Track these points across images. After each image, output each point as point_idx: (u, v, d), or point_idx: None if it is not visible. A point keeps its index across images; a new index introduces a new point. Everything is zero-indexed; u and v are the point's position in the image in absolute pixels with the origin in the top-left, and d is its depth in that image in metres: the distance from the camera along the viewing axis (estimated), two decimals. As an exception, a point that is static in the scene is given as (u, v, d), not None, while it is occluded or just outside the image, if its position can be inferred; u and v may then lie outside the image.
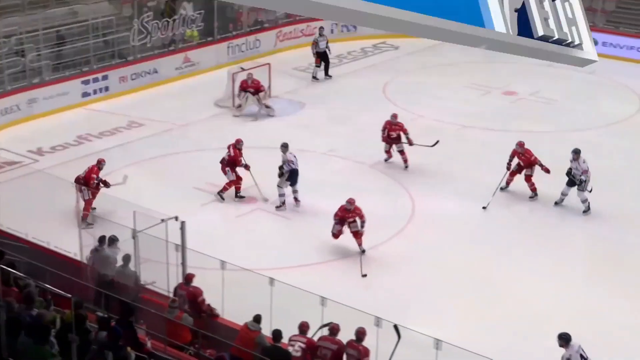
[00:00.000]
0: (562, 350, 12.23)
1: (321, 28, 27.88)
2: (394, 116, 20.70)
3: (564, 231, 18.25)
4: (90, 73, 25.34)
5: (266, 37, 29.80)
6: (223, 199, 18.88)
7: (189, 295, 13.57)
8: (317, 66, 27.39)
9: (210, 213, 18.54)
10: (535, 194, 19.31)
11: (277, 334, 12.26)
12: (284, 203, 18.70)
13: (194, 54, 27.73)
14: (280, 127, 22.83)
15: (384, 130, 20.65)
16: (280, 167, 18.61)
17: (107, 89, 25.55)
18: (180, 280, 13.98)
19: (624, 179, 20.42)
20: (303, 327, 12.54)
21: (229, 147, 19.04)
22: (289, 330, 12.49)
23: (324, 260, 16.73)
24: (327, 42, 27.33)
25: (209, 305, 13.68)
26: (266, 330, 12.52)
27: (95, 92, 25.30)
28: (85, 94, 25.05)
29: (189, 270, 14.08)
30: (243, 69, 25.03)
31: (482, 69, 28.16)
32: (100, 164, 18.24)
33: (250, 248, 17.07)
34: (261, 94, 23.85)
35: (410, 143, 20.51)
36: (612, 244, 17.54)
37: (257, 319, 12.69)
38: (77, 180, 17.82)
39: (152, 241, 13.86)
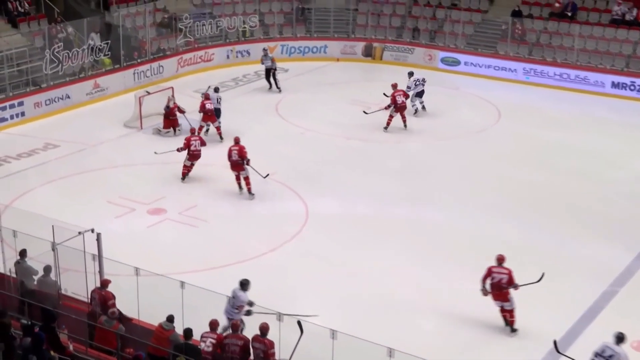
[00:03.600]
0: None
1: (264, 49, 28.67)
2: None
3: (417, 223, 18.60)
4: (6, 100, 24.63)
5: (168, 63, 29.47)
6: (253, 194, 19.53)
7: (100, 298, 13.25)
8: (267, 80, 28.20)
9: (123, 225, 18.16)
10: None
11: (188, 332, 12.12)
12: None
13: (102, 80, 27.20)
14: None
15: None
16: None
17: (23, 114, 24.84)
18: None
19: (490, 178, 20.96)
20: (213, 325, 12.42)
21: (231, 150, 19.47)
22: (200, 328, 12.33)
23: (228, 263, 16.54)
24: (271, 60, 27.93)
25: (116, 310, 13.15)
26: (179, 329, 12.33)
27: (12, 117, 24.59)
28: (2, 120, 24.31)
29: (105, 278, 13.75)
30: (149, 93, 24.79)
31: (360, 87, 28.50)
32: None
33: (161, 255, 16.77)
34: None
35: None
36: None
37: (170, 319, 12.56)
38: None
39: (71, 252, 13.54)
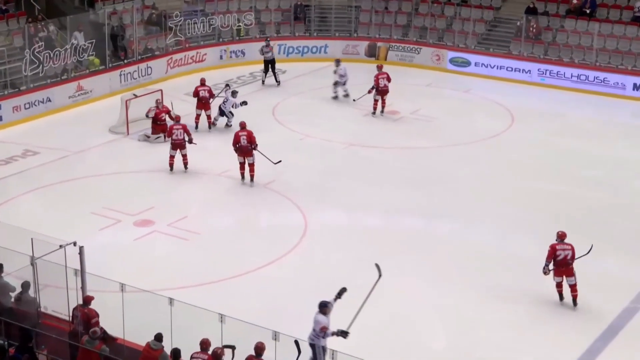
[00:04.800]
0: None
1: (267, 39, 29.48)
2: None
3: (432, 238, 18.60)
4: (-18, 104, 24.69)
5: (157, 64, 29.50)
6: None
7: (83, 316, 13.24)
8: (264, 72, 29.02)
9: (108, 237, 18.16)
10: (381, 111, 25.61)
11: (176, 352, 12.17)
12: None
13: (87, 82, 27.21)
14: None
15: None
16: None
17: (0, 118, 24.83)
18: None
19: (504, 188, 20.95)
20: (204, 344, 12.41)
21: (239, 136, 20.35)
22: (190, 348, 12.31)
23: (220, 278, 16.53)
24: (272, 52, 28.89)
25: (98, 329, 13.16)
26: (168, 348, 12.33)
27: (-12, 122, 24.68)
28: (-22, 125, 24.43)
29: (88, 294, 13.74)
30: (136, 96, 24.79)
31: (363, 90, 28.47)
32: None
33: (149, 269, 16.78)
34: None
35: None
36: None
37: (159, 337, 12.59)
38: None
39: (51, 267, 13.50)
